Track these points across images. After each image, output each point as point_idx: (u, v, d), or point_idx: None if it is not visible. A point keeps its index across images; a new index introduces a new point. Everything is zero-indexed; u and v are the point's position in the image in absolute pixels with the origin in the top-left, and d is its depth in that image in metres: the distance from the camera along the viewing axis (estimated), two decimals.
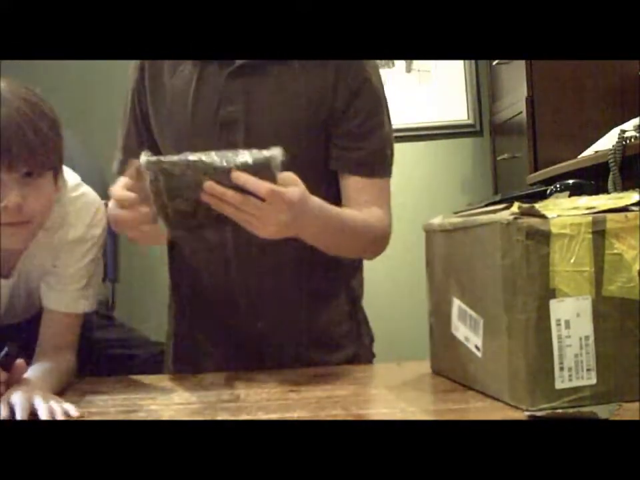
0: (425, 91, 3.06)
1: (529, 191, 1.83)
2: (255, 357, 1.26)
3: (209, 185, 0.94)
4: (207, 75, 1.22)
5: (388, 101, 1.28)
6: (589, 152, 1.98)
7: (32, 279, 1.21)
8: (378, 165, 1.25)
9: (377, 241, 1.25)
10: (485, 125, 3.09)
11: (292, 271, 1.26)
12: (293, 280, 1.27)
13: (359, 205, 1.22)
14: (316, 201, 1.07)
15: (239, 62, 1.20)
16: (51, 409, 0.94)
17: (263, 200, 0.95)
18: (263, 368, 1.20)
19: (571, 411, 0.80)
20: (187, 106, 1.22)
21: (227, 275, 1.25)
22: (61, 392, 1.07)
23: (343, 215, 1.17)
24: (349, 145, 1.23)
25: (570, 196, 1.01)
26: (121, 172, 1.25)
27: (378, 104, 1.25)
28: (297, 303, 1.27)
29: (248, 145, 1.15)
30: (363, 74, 1.22)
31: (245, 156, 0.95)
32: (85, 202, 1.20)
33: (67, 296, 1.19)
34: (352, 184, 1.23)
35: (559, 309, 0.83)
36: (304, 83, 1.21)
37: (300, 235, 1.09)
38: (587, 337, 0.83)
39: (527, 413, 0.82)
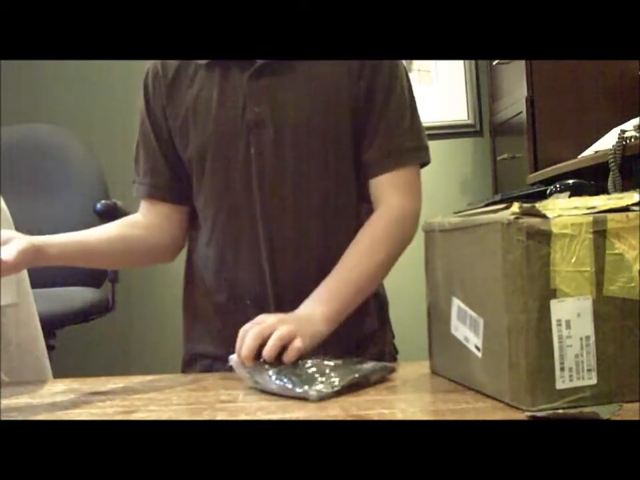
0: (424, 91, 3.06)
1: (529, 191, 1.83)
2: None
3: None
4: (228, 78, 1.22)
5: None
6: (589, 152, 1.99)
7: None
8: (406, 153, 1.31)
9: (406, 230, 1.28)
10: (485, 125, 3.09)
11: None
12: None
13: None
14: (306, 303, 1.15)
15: (258, 62, 1.21)
16: None
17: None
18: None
19: (572, 411, 0.80)
20: (211, 111, 1.22)
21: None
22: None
23: (349, 271, 1.22)
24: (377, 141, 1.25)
25: (570, 196, 1.01)
26: (151, 195, 1.29)
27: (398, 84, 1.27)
28: None
29: (276, 144, 1.20)
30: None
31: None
32: None
33: None
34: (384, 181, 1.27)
35: (560, 309, 0.83)
36: (326, 75, 1.22)
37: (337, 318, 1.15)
38: (587, 337, 0.83)
39: (528, 414, 0.82)
